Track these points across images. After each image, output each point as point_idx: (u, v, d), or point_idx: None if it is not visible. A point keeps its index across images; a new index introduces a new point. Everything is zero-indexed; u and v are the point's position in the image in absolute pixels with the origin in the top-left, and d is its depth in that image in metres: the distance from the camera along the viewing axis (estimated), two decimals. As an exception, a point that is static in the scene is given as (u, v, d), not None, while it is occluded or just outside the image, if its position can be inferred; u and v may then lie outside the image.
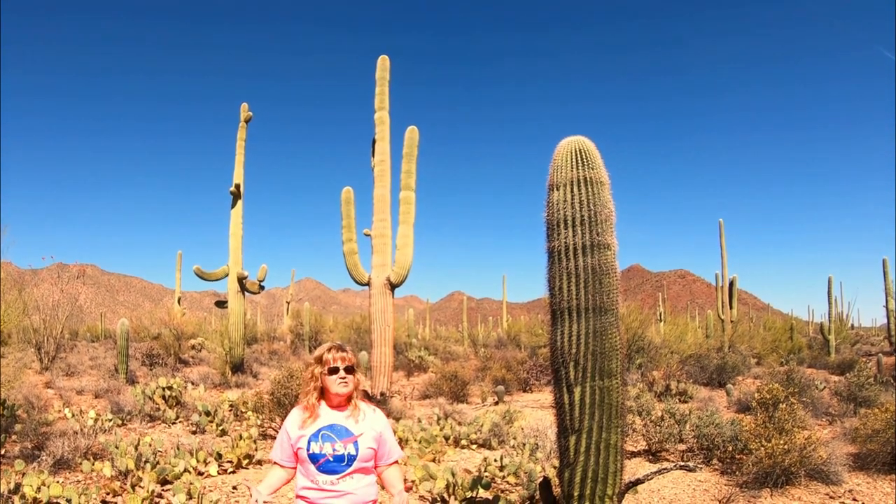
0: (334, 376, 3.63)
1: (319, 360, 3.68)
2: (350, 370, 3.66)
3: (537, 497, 7.04)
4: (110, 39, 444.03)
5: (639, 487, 8.14)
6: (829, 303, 39.92)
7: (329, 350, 3.70)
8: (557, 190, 5.16)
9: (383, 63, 17.05)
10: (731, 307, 33.97)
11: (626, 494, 5.43)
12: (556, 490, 5.42)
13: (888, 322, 38.87)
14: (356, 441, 3.57)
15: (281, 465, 3.71)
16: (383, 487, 3.83)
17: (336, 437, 3.57)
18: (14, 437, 10.05)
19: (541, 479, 5.54)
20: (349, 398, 3.69)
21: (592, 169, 5.10)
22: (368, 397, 14.91)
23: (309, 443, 3.56)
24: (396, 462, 3.80)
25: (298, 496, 3.61)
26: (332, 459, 3.53)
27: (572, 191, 5.08)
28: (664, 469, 5.53)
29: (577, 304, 5.01)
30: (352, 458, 3.54)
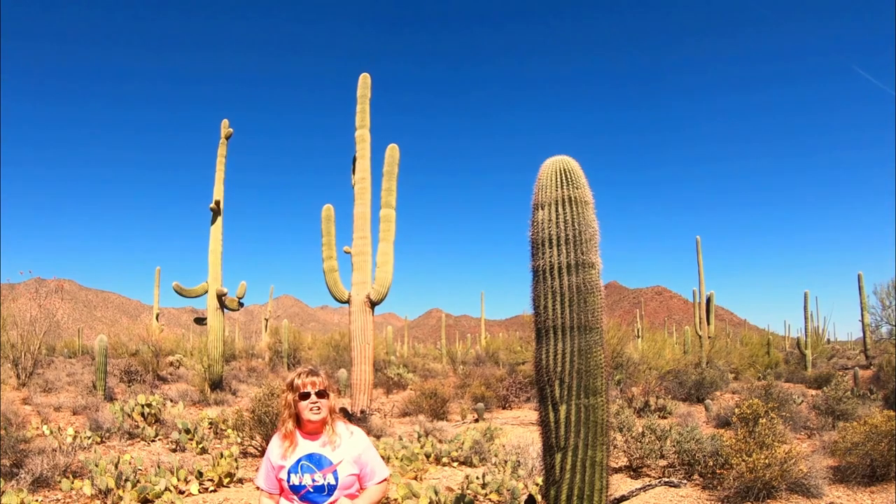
0: (306, 402, 3.62)
1: (291, 386, 3.67)
2: (322, 394, 3.65)
3: (521, 514, 7.05)
4: (91, 53, 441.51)
5: (622, 504, 8.17)
6: (806, 318, 40.36)
7: (300, 375, 3.68)
8: (542, 209, 5.20)
9: (364, 81, 17.11)
10: (708, 323, 34.17)
11: (611, 511, 5.46)
12: (542, 507, 5.43)
13: (864, 336, 39.44)
14: (335, 471, 3.58)
15: (270, 495, 3.71)
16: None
17: (315, 467, 3.57)
18: (-9, 456, 9.93)
19: (525, 497, 5.57)
20: (325, 422, 3.68)
21: (577, 188, 5.15)
22: (348, 415, 14.72)
23: (289, 474, 3.57)
24: (385, 480, 3.78)
25: None
26: (312, 490, 3.54)
27: (557, 210, 5.13)
28: (648, 485, 5.58)
29: (562, 322, 5.05)
30: (332, 488, 3.55)
